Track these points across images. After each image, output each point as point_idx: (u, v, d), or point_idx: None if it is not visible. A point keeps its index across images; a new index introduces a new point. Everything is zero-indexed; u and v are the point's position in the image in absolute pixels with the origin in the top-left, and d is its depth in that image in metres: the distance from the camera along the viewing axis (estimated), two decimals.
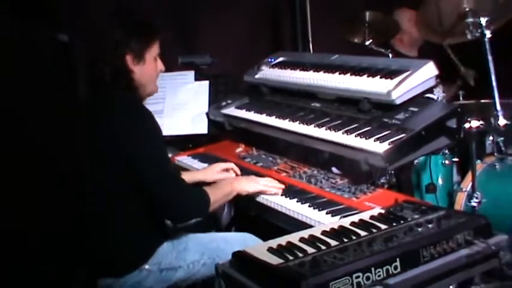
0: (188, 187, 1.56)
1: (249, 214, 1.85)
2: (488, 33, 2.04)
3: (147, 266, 1.52)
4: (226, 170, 1.83)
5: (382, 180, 1.65)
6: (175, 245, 1.58)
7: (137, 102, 1.57)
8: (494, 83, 2.04)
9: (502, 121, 2.03)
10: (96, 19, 2.31)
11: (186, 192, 1.52)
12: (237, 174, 1.83)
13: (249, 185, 1.63)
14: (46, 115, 2.18)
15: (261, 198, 1.66)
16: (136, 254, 1.53)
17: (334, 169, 1.78)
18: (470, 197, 2.05)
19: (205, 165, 2.02)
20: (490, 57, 2.04)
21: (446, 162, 2.32)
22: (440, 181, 2.34)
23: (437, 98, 2.30)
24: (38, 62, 2.24)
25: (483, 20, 2.05)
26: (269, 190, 1.64)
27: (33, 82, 2.18)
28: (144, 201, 1.50)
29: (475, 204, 2.02)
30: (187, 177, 1.73)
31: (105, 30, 1.57)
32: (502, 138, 2.22)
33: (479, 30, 2.06)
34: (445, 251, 1.10)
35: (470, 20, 2.10)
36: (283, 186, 1.66)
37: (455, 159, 2.32)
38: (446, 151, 2.32)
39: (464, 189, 2.15)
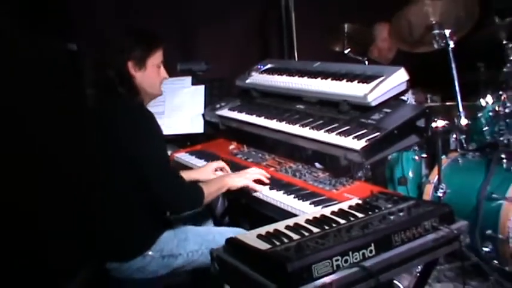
0: (185, 184, 1.56)
1: (241, 204, 1.84)
2: (451, 43, 2.07)
3: (150, 253, 1.52)
4: (219, 169, 1.82)
5: (359, 174, 1.67)
6: (176, 234, 1.58)
7: (139, 105, 1.55)
8: (457, 88, 2.07)
9: (463, 121, 2.06)
10: (102, 30, 2.29)
11: (184, 190, 1.52)
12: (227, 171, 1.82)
13: (238, 180, 1.62)
14: (57, 117, 2.16)
15: (251, 191, 1.65)
16: (141, 241, 1.52)
17: (316, 164, 1.79)
18: (436, 188, 2.08)
19: (202, 161, 2.01)
20: (453, 65, 2.06)
21: (416, 157, 2.35)
22: (410, 174, 2.37)
23: (408, 100, 2.33)
24: (50, 69, 2.21)
25: (447, 32, 2.08)
26: (254, 186, 1.62)
27: (45, 87, 2.15)
28: (146, 195, 1.49)
29: (440, 195, 2.04)
30: (184, 175, 1.70)
31: (111, 39, 1.56)
32: (464, 136, 2.25)
33: (444, 41, 2.08)
34: (414, 236, 1.11)
35: (436, 31, 2.12)
36: (268, 175, 1.65)
37: (424, 155, 2.34)
38: (416, 148, 2.34)
39: (431, 182, 2.17)
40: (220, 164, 1.83)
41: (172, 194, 1.48)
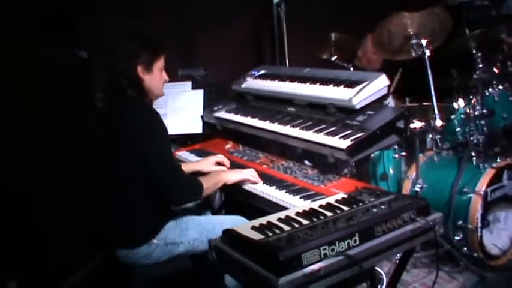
0: (187, 179, 1.56)
1: (237, 199, 1.84)
2: (427, 52, 2.08)
3: (155, 241, 1.52)
4: (218, 163, 1.82)
5: (344, 171, 1.67)
6: (179, 223, 1.58)
7: (146, 106, 1.56)
8: (433, 92, 2.09)
9: (438, 122, 2.08)
10: (111, 37, 2.27)
11: (185, 184, 1.52)
12: (227, 165, 1.82)
13: (233, 175, 1.64)
14: (68, 119, 2.13)
15: (246, 186, 1.65)
16: (147, 230, 1.53)
17: (306, 162, 1.79)
18: (414, 183, 2.10)
19: (200, 158, 2.00)
20: (429, 71, 2.08)
21: (396, 155, 2.36)
22: (391, 171, 2.38)
23: (389, 103, 2.34)
24: (61, 75, 2.18)
25: (424, 41, 2.10)
26: (249, 178, 1.64)
27: (57, 92, 2.12)
28: (152, 188, 1.49)
29: (418, 189, 2.06)
30: (186, 167, 1.73)
31: (119, 47, 1.56)
32: (439, 136, 2.28)
33: (421, 49, 2.10)
34: (394, 227, 1.12)
35: (414, 41, 2.14)
36: (260, 181, 1.65)
37: (403, 153, 2.36)
38: (396, 147, 2.35)
39: (410, 177, 2.19)
40: (220, 158, 1.82)
41: (175, 189, 1.48)
